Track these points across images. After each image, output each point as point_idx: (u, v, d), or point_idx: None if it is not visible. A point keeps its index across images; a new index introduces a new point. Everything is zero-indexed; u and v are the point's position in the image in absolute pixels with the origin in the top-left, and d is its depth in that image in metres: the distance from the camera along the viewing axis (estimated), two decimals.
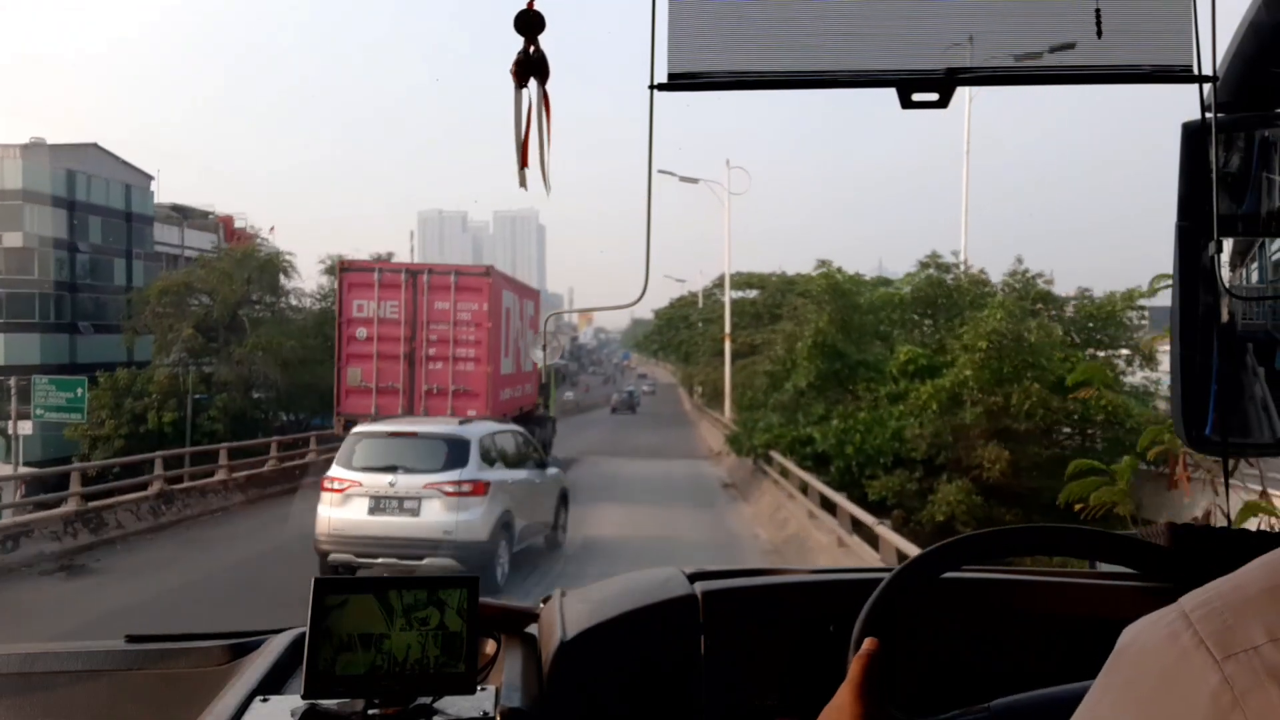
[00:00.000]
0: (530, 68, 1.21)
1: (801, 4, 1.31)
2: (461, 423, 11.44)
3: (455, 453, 10.16)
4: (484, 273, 18.43)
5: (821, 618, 1.28)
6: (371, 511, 9.84)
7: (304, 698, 1.17)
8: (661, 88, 1.29)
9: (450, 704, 1.19)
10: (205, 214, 49.41)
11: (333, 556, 9.88)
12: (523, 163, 1.22)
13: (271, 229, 54.31)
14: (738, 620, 1.34)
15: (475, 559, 9.56)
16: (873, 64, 1.32)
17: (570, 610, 1.40)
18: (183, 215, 47.28)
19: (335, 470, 10.17)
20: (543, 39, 1.22)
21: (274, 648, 1.40)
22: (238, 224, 47.96)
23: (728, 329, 34.79)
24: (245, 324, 30.93)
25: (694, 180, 32.12)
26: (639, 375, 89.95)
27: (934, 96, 1.30)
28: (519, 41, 1.21)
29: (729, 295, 36.64)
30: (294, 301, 35.00)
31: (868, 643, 0.98)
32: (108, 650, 1.46)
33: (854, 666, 0.96)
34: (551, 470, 12.36)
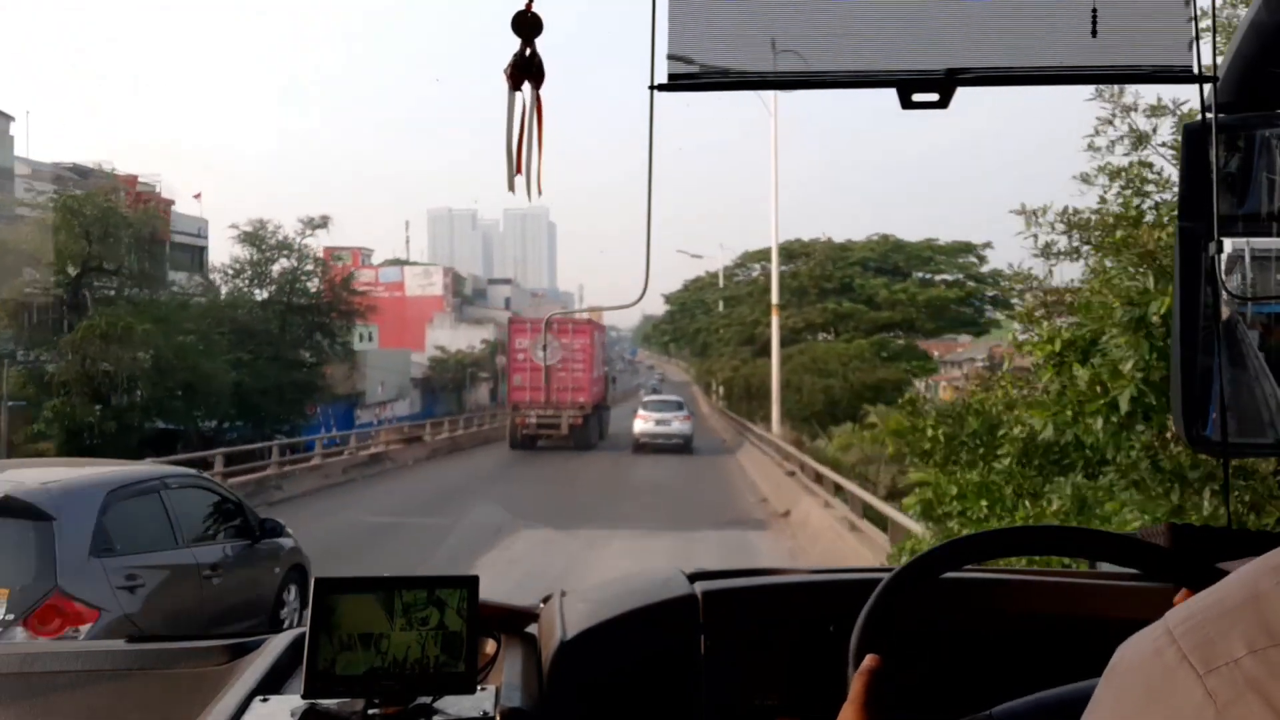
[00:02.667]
0: (525, 70, 1.21)
1: (801, 4, 1.31)
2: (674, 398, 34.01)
3: (679, 405, 30.29)
4: (587, 322, 32.69)
5: (821, 618, 1.28)
6: (655, 424, 28.26)
7: (304, 698, 1.18)
8: (662, 88, 1.29)
9: (450, 704, 1.19)
10: (112, 175, 34.20)
11: (641, 440, 27.79)
12: (516, 167, 1.22)
13: (197, 195, 41.59)
14: (738, 620, 1.34)
15: (689, 440, 28.35)
16: (873, 64, 1.32)
17: (570, 610, 1.40)
18: (81, 175, 33.17)
19: (640, 410, 29.57)
20: (544, 37, 1.22)
21: (274, 648, 1.40)
22: (157, 189, 32.93)
23: (775, 298, 27.05)
24: (88, 302, 22.12)
25: None
26: (648, 368, 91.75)
27: (934, 97, 1.30)
28: (517, 42, 1.21)
29: (775, 248, 28.71)
30: (198, 279, 28.35)
31: (869, 659, 0.95)
32: (108, 651, 1.47)
33: (856, 683, 0.94)
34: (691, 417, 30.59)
